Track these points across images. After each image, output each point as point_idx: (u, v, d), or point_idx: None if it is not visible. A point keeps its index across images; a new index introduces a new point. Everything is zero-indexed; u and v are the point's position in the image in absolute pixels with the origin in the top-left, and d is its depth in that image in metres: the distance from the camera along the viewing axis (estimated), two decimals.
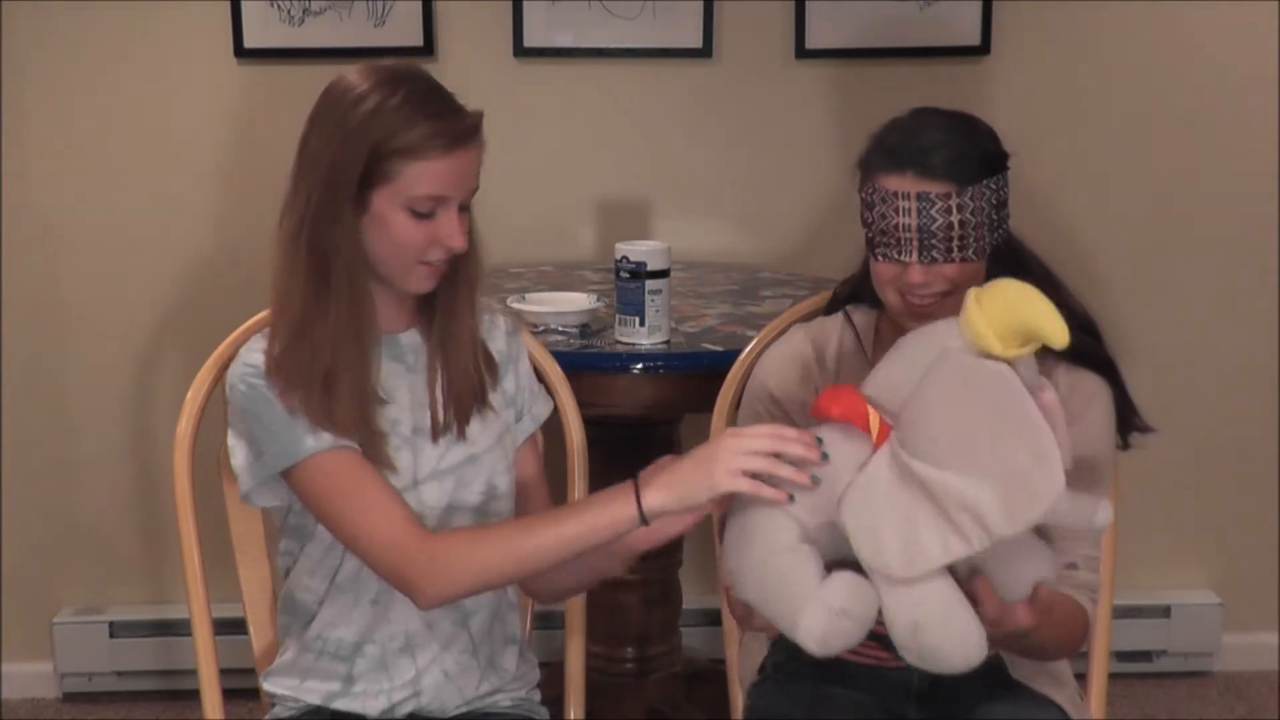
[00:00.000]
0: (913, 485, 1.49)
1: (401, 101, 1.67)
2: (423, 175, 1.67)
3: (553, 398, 1.99)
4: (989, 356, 1.50)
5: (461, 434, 1.80)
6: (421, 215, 1.69)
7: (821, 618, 1.49)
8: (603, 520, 1.57)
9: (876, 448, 1.55)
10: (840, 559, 1.54)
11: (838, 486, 1.54)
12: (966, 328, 1.52)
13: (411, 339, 1.82)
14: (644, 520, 1.55)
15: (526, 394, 1.91)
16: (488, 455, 1.83)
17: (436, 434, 1.79)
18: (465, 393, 1.80)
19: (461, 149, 1.69)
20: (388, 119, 1.66)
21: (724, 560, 1.60)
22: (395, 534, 1.65)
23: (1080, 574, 1.76)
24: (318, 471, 1.69)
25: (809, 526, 1.54)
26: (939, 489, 1.47)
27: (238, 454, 1.75)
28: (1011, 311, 1.50)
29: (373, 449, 1.73)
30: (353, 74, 1.70)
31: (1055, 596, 1.69)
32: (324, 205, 1.68)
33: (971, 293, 1.53)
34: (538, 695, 1.94)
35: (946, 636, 1.50)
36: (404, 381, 1.80)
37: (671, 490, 1.54)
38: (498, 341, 1.88)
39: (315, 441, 1.68)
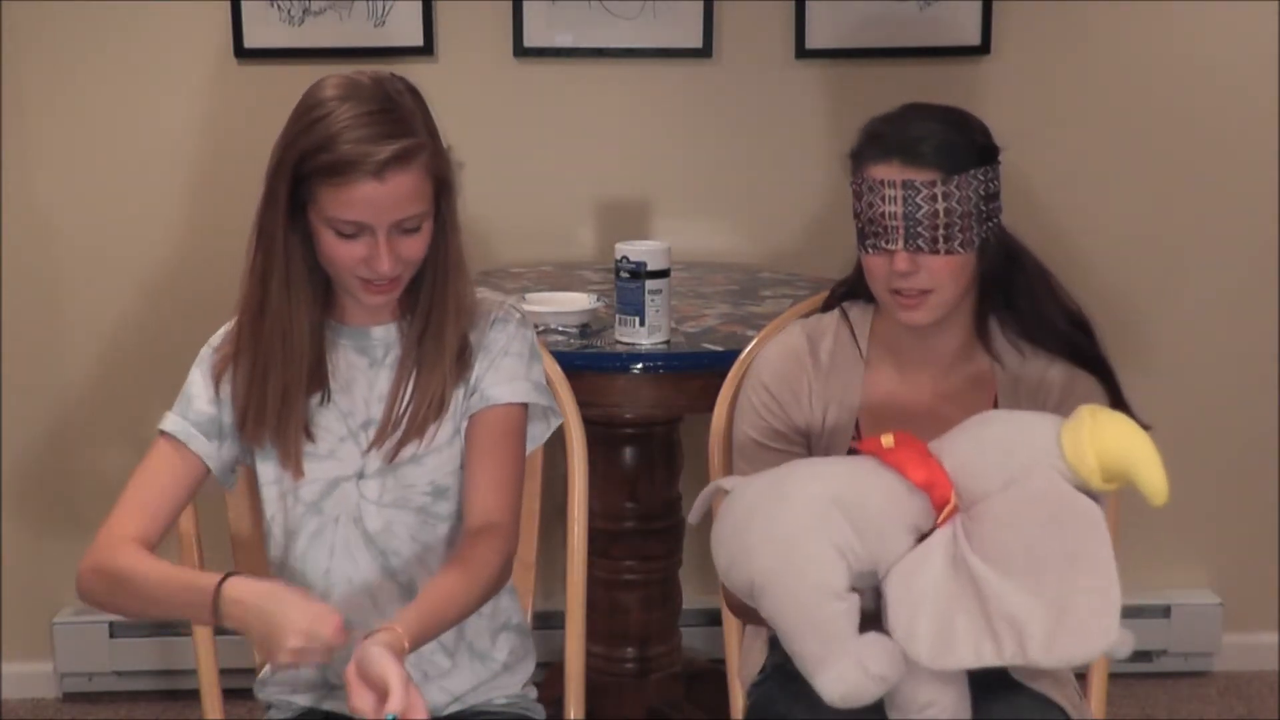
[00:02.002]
0: (963, 577, 1.50)
1: (336, 119, 1.66)
2: (336, 200, 1.66)
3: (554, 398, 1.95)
4: (1081, 486, 1.52)
5: (404, 445, 1.79)
6: (347, 236, 1.69)
7: (852, 676, 1.51)
8: (185, 613, 1.67)
9: (939, 524, 1.56)
10: (868, 610, 1.56)
11: (888, 541, 1.55)
12: (1070, 448, 1.54)
13: (386, 334, 1.82)
14: (219, 623, 1.63)
15: (489, 372, 1.82)
16: (434, 456, 1.81)
17: (381, 438, 1.80)
18: (427, 404, 1.79)
19: (374, 180, 1.65)
20: (318, 136, 1.65)
21: (737, 560, 1.60)
22: (105, 527, 1.73)
23: None
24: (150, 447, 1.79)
25: (854, 570, 1.56)
26: (992, 595, 1.48)
27: None
28: (1123, 455, 1.53)
29: (287, 450, 1.79)
30: (327, 82, 1.71)
31: None
32: (265, 212, 1.72)
33: (1085, 412, 1.55)
34: (534, 692, 1.93)
35: None
36: (364, 375, 1.81)
37: (242, 626, 1.60)
38: (477, 332, 1.84)
39: (165, 422, 1.78)
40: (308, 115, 1.68)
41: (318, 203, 1.68)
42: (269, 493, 1.83)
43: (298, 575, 1.82)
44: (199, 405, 1.79)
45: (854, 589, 1.56)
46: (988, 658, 1.48)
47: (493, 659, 1.88)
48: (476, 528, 1.77)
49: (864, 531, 1.55)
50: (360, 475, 1.80)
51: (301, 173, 1.67)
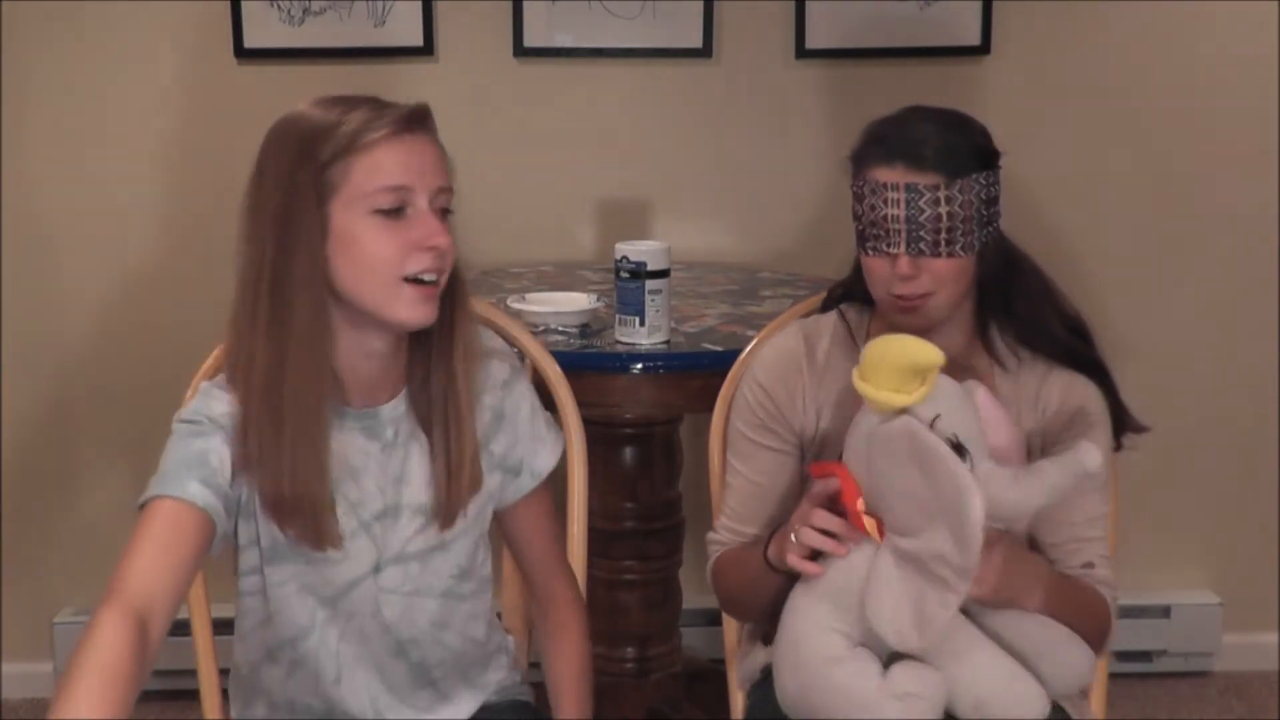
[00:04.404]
0: (909, 563, 1.57)
1: (333, 110, 1.56)
2: (373, 167, 1.54)
3: (555, 412, 1.91)
4: (901, 412, 1.58)
5: (452, 520, 1.68)
6: (389, 215, 1.54)
7: (894, 710, 1.56)
8: None
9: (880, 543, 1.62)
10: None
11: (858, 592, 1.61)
12: (870, 402, 1.62)
13: (394, 410, 1.67)
14: None
15: (526, 445, 1.75)
16: (461, 539, 1.71)
17: (442, 516, 1.67)
18: (466, 471, 1.66)
19: (409, 133, 1.55)
20: (322, 128, 1.55)
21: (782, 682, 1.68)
22: (121, 579, 1.44)
23: (1098, 571, 1.79)
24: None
25: (854, 635, 1.63)
26: (924, 554, 1.54)
27: None
28: (883, 362, 1.59)
29: (316, 521, 1.61)
30: (294, 110, 1.61)
31: (1076, 582, 1.75)
32: (283, 249, 1.55)
33: (854, 373, 1.63)
34: (518, 675, 1.93)
35: (1008, 708, 1.60)
36: (375, 461, 1.67)
37: None
38: (492, 397, 1.72)
39: (187, 490, 1.52)
40: (293, 137, 1.56)
41: (348, 191, 1.53)
42: (284, 592, 1.68)
43: (309, 661, 1.71)
44: (220, 480, 1.56)
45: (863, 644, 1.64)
46: (951, 601, 1.53)
47: (488, 683, 1.86)
48: (546, 600, 1.83)
49: (846, 604, 1.63)
50: (377, 569, 1.68)
51: (320, 177, 1.53)
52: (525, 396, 1.76)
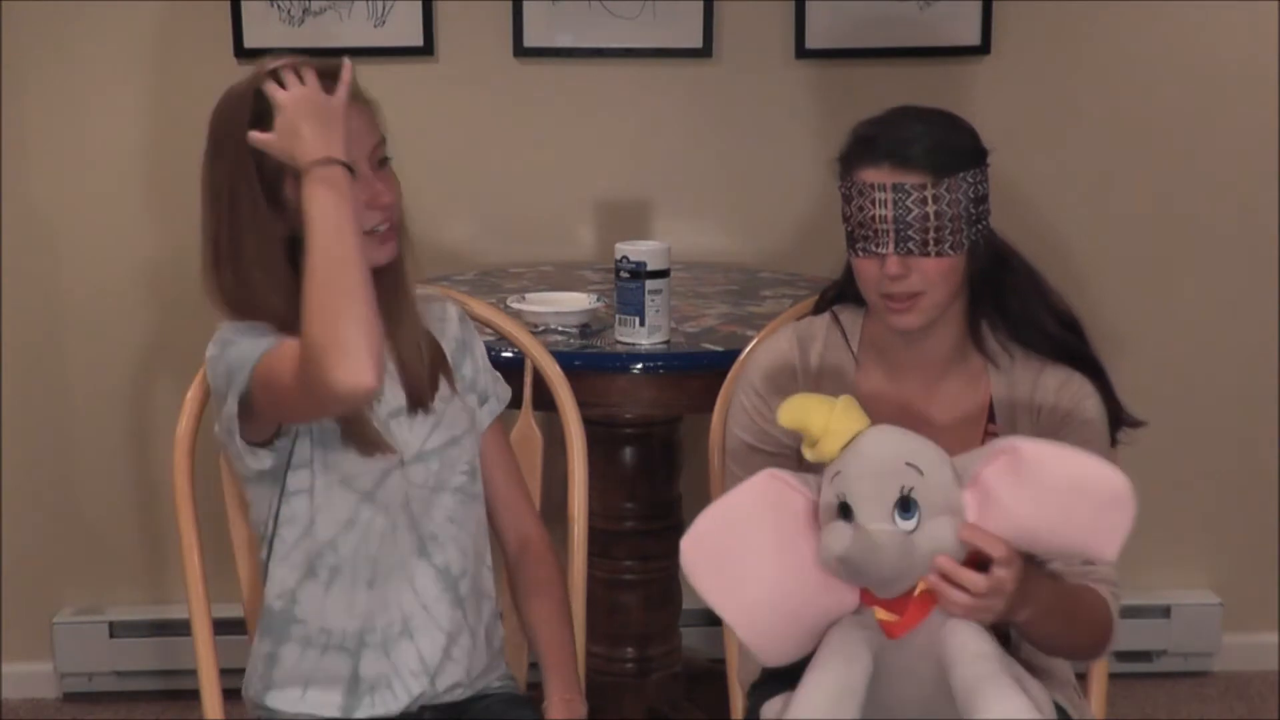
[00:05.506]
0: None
1: (263, 97, 1.65)
2: None
3: (549, 395, 1.98)
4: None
5: (427, 407, 1.82)
6: None
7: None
8: (322, 203, 1.60)
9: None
10: None
11: None
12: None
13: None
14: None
15: (486, 376, 1.95)
16: (466, 437, 1.87)
17: (413, 405, 1.81)
18: (420, 358, 1.81)
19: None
20: (259, 116, 1.65)
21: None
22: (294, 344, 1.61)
23: (1098, 569, 1.77)
24: (266, 362, 1.66)
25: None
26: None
27: (222, 409, 1.72)
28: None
29: (359, 423, 1.75)
30: (231, 90, 1.72)
31: (1076, 594, 1.72)
32: (255, 214, 1.69)
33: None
34: (505, 666, 1.97)
35: None
36: None
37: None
38: (452, 327, 1.91)
39: (255, 352, 1.67)
40: (233, 124, 1.67)
41: (292, 179, 1.64)
42: (328, 480, 1.78)
43: (346, 565, 1.79)
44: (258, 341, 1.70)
45: None
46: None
47: (495, 646, 1.92)
48: (520, 548, 1.96)
49: None
50: (403, 462, 1.80)
51: (266, 163, 1.66)
52: (477, 334, 1.97)
